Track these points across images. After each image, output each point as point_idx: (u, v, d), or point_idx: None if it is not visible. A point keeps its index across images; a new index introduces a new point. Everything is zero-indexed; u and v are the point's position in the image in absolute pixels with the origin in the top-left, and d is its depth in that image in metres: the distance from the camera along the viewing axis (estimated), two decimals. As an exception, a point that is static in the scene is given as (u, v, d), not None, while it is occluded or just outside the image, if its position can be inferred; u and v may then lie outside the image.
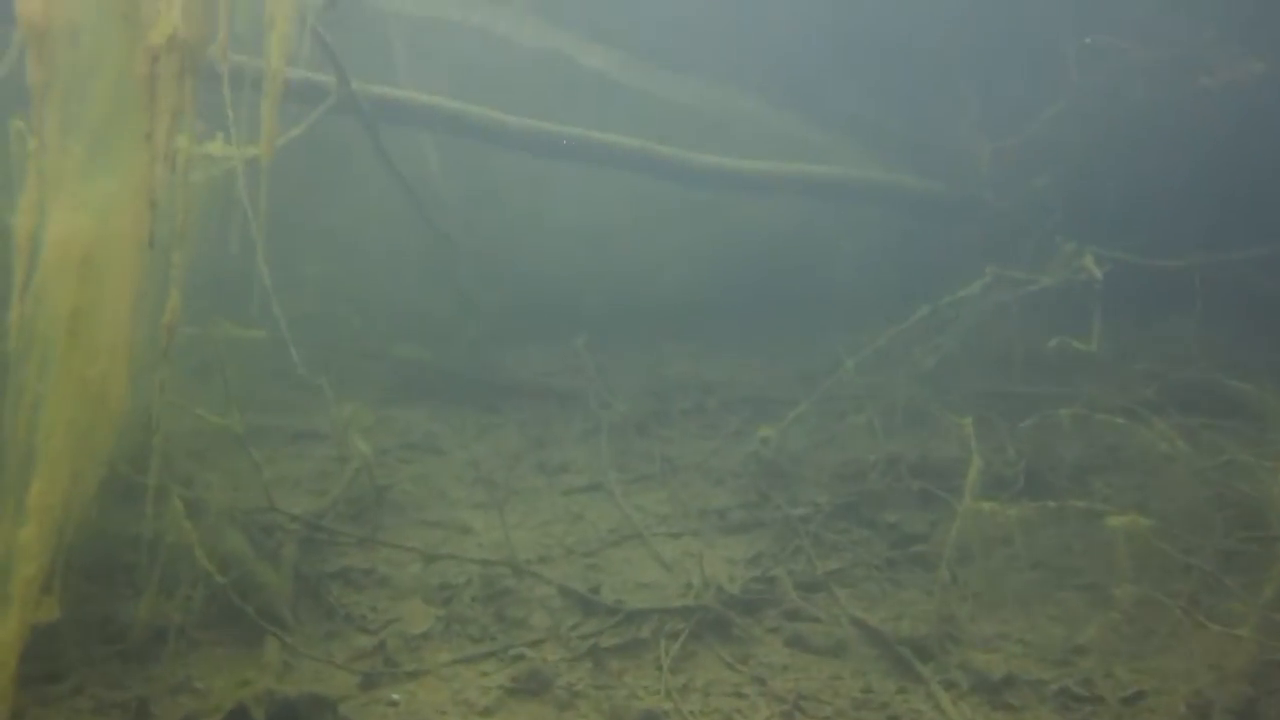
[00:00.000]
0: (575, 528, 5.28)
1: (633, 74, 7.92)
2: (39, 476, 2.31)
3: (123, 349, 2.47)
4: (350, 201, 8.14)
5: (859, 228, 8.36)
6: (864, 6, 7.74)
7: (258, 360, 6.72)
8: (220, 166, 4.52)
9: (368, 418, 5.67)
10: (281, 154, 6.06)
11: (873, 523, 5.26)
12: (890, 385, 6.29)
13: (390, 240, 8.15)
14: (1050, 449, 5.42)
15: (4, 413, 2.45)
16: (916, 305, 6.22)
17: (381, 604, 4.42)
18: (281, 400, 6.41)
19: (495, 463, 6.03)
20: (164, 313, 2.66)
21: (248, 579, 4.16)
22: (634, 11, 8.13)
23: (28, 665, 2.89)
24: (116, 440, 3.48)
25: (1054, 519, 4.68)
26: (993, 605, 4.41)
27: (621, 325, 8.14)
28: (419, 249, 8.03)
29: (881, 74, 7.89)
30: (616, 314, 8.26)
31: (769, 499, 5.52)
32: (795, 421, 5.98)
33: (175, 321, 2.63)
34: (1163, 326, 6.47)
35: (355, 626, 4.24)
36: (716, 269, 8.63)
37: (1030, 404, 5.66)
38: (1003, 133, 7.43)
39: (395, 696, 3.76)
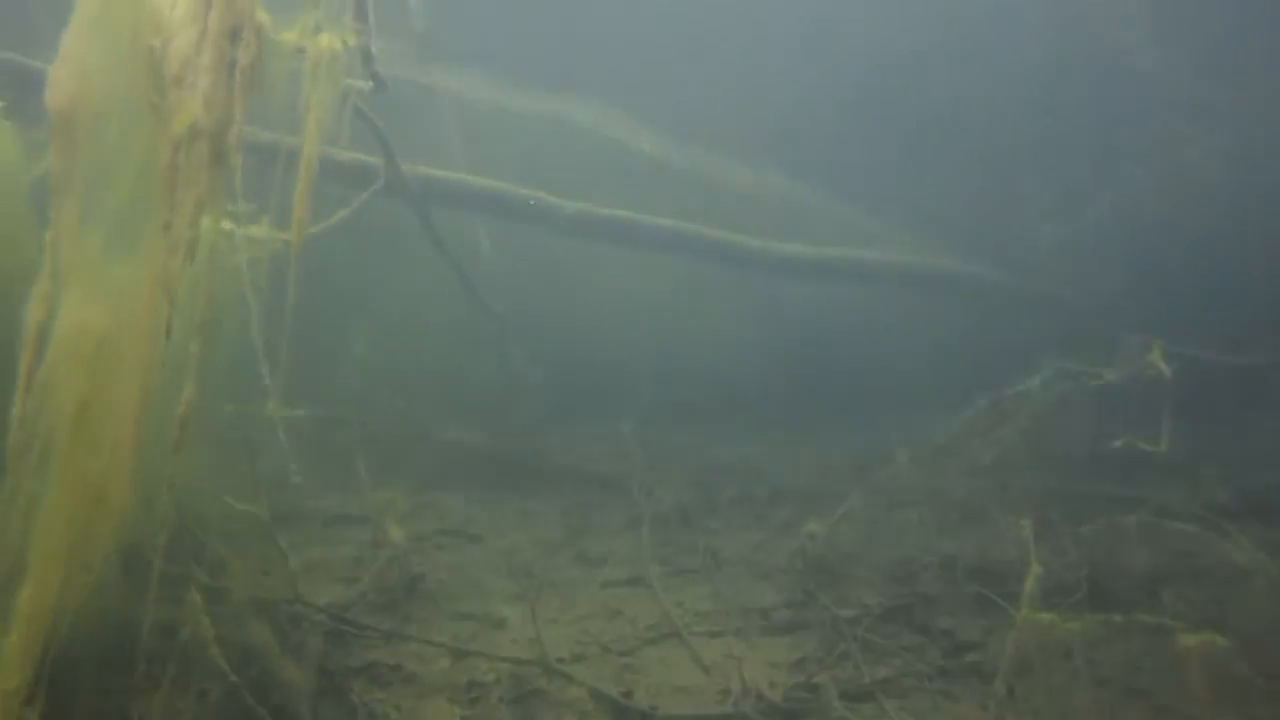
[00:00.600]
0: (612, 624, 5.07)
1: (687, 158, 7.89)
2: (29, 581, 2.22)
3: (129, 445, 2.39)
4: (403, 280, 8.18)
5: (915, 315, 8.16)
6: (926, 94, 7.63)
7: (301, 441, 6.74)
8: (264, 248, 4.51)
9: (404, 503, 5.57)
10: (332, 234, 6.15)
11: (925, 628, 4.97)
12: (946, 480, 6.03)
13: (442, 318, 8.16)
14: (1117, 555, 5.11)
15: (-3, 512, 2.37)
16: (974, 397, 6.01)
17: (406, 702, 4.24)
18: (322, 482, 6.34)
19: (534, 552, 5.87)
20: (179, 404, 2.57)
21: (269, 674, 4.02)
22: (689, 96, 8.13)
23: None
24: (147, 525, 3.40)
25: (1120, 633, 4.37)
26: (1053, 726, 4.11)
27: (672, 405, 8.03)
28: (471, 327, 8.02)
29: (943, 161, 7.75)
30: (667, 393, 8.16)
31: (816, 598, 5.26)
32: (846, 515, 5.75)
33: (189, 414, 2.54)
34: (1239, 427, 6.14)
35: (377, 726, 4.06)
36: (769, 350, 8.49)
37: (1095, 505, 5.39)
38: (1069, 222, 7.21)
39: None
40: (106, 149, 2.41)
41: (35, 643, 2.20)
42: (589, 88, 8.11)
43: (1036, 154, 7.44)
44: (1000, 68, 7.43)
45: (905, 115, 7.76)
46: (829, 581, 5.42)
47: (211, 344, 3.78)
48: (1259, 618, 4.49)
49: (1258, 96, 6.56)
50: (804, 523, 5.79)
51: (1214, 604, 4.86)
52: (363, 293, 8.18)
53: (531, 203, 6.45)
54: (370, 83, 4.34)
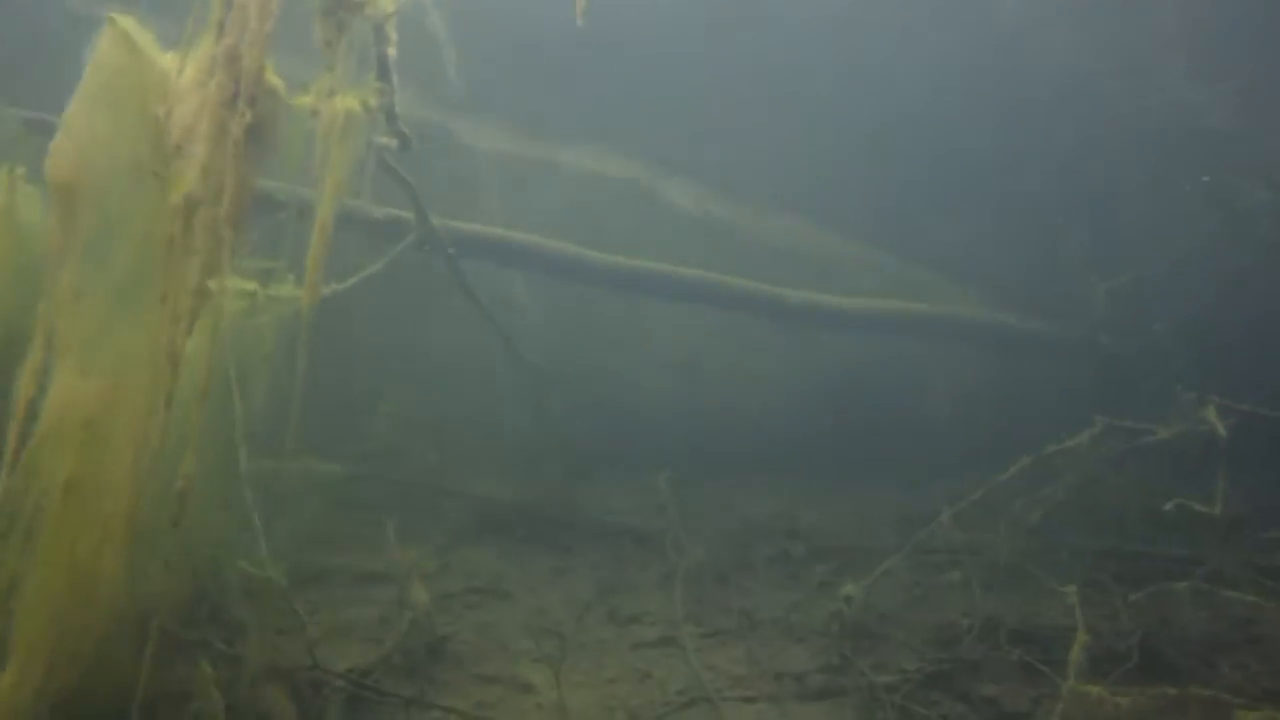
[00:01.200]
0: (641, 687, 4.92)
1: (724, 209, 7.83)
2: (11, 668, 2.15)
3: (121, 522, 2.33)
4: (440, 333, 8.19)
5: (957, 366, 7.98)
6: (965, 142, 7.50)
7: (333, 495, 6.72)
8: (289, 307, 4.50)
9: (432, 561, 5.49)
10: (367, 286, 6.15)
11: (967, 696, 4.75)
12: (991, 539, 5.81)
13: (479, 370, 8.15)
14: (1170, 622, 4.87)
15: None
16: (1020, 451, 5.80)
17: (426, 772, 4.13)
18: (353, 536, 6.31)
19: (564, 611, 5.74)
20: (180, 476, 2.51)
21: (285, 742, 3.94)
22: (726, 149, 8.09)
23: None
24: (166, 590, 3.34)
25: (1174, 706, 4.13)
26: (1103, 808, 3.88)
27: (709, 457, 7.91)
28: (508, 378, 8.00)
29: (985, 209, 7.60)
30: (704, 445, 8.05)
31: (852, 663, 5.07)
32: (885, 576, 5.55)
33: (189, 488, 2.48)
34: (1298, 485, 5.87)
35: (394, 798, 3.96)
36: (807, 401, 8.36)
37: (1147, 568, 5.15)
38: (1116, 272, 7.01)
39: None
40: (107, 219, 2.38)
41: (19, 731, 2.14)
42: (625, 142, 8.11)
43: (1087, 205, 7.26)
44: (1050, 118, 7.29)
45: (950, 167, 7.62)
46: (867, 645, 5.23)
47: (221, 411, 3.75)
48: (1324, 693, 4.24)
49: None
50: (842, 582, 5.61)
51: (1274, 675, 4.60)
52: (398, 345, 8.20)
53: (560, 254, 6.41)
54: (395, 140, 4.31)
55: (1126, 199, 7.21)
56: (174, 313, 2.40)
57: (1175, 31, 6.62)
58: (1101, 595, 5.10)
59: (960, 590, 5.57)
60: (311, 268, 3.21)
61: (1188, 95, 6.60)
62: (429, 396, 7.93)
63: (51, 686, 2.28)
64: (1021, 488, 5.83)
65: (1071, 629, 4.27)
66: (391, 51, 3.73)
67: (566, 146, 7.94)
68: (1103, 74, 6.98)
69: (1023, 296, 7.60)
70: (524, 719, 4.52)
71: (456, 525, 6.71)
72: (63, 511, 2.24)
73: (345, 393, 7.79)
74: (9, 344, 2.34)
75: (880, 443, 7.77)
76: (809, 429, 8.12)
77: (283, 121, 3.01)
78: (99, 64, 2.53)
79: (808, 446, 8.02)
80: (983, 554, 5.72)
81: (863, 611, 5.39)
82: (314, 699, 4.34)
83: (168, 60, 2.59)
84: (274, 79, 2.93)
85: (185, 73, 2.48)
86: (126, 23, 2.58)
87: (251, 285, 4.37)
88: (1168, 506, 4.79)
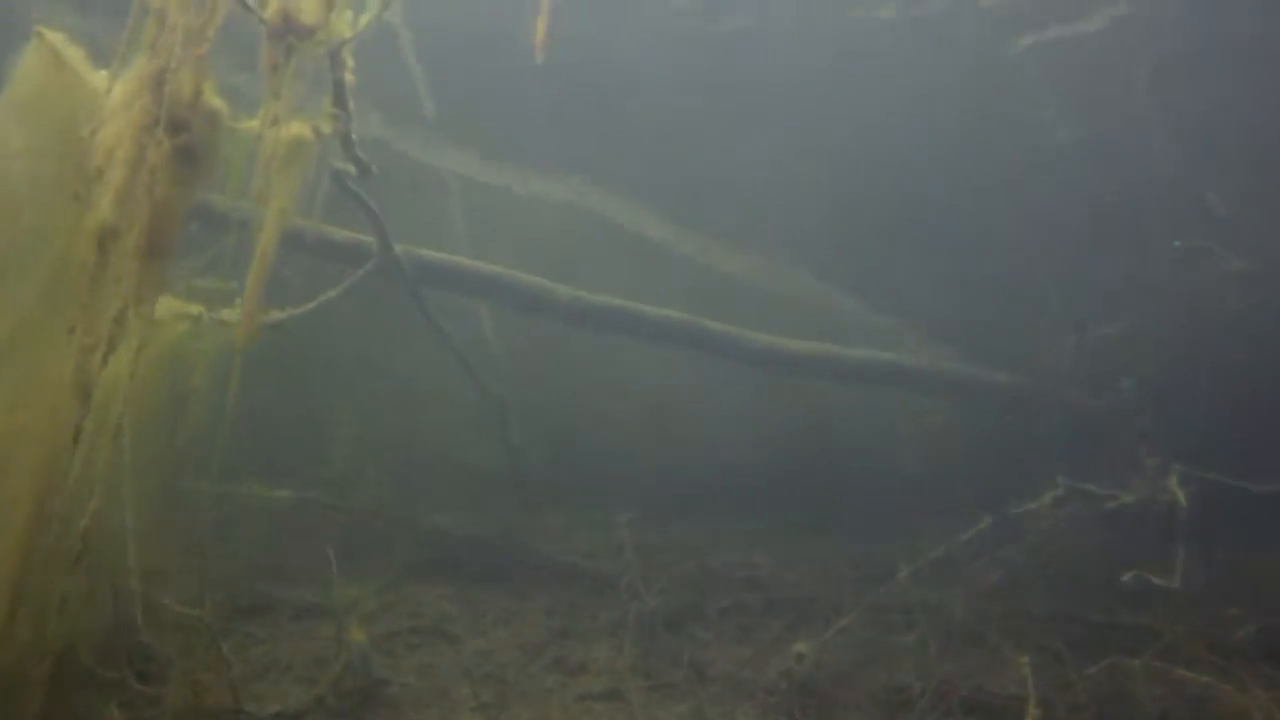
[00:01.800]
0: (582, 742, 4.77)
1: (692, 246, 7.75)
2: None
3: (11, 564, 2.18)
4: (404, 356, 8.04)
5: (925, 417, 7.91)
6: (933, 188, 7.47)
7: (283, 522, 6.54)
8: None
9: (375, 599, 5.33)
10: (330, 309, 6.01)
11: (916, 765, 4.63)
12: (948, 599, 5.71)
13: (442, 396, 8.00)
14: (1125, 697, 4.76)
15: None
16: (982, 505, 5.72)
17: (349, 826, 3.95)
18: (300, 567, 6.15)
19: (510, 655, 5.57)
20: (86, 511, 2.37)
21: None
22: (693, 183, 8.03)
23: None
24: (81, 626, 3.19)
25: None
26: None
27: (674, 497, 7.78)
28: (470, 407, 7.85)
29: (952, 258, 7.56)
30: (670, 484, 7.91)
31: (801, 724, 4.93)
32: (840, 633, 5.43)
33: (92, 527, 2.33)
34: (1260, 560, 5.79)
35: None
36: (774, 445, 8.25)
37: (1106, 636, 5.05)
38: (1083, 327, 6.97)
39: None
40: (21, 239, 2.25)
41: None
42: (604, 174, 8.03)
43: (1059, 261, 7.23)
44: (1022, 174, 7.27)
45: (921, 216, 7.59)
46: (816, 705, 5.09)
47: (158, 438, 3.60)
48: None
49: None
50: (796, 637, 5.50)
51: (1227, 760, 4.50)
52: (361, 366, 8.06)
53: (525, 287, 6.29)
54: (352, 167, 4.20)
55: (1099, 256, 7.19)
56: (86, 342, 2.27)
57: (1155, 100, 6.64)
58: (1056, 664, 5.00)
59: (915, 651, 5.46)
60: (249, 296, 3.09)
61: (1164, 162, 6.60)
62: (389, 421, 7.77)
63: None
64: (983, 546, 5.75)
65: (1024, 699, 4.16)
66: (349, 77, 3.62)
67: (539, 176, 7.84)
68: (1079, 137, 6.98)
69: (991, 349, 7.55)
70: (457, 772, 4.35)
71: (407, 559, 6.53)
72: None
73: (303, 415, 7.64)
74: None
75: (845, 492, 7.67)
76: (774, 473, 8.01)
77: (222, 145, 2.89)
78: (24, 77, 2.41)
79: (772, 491, 7.89)
80: (940, 614, 5.61)
81: (814, 670, 5.27)
82: (237, 744, 4.17)
83: (98, 79, 2.48)
84: (215, 101, 2.81)
85: (114, 93, 2.37)
86: (56, 37, 2.47)
87: (196, 309, 4.22)
88: (1125, 578, 4.70)
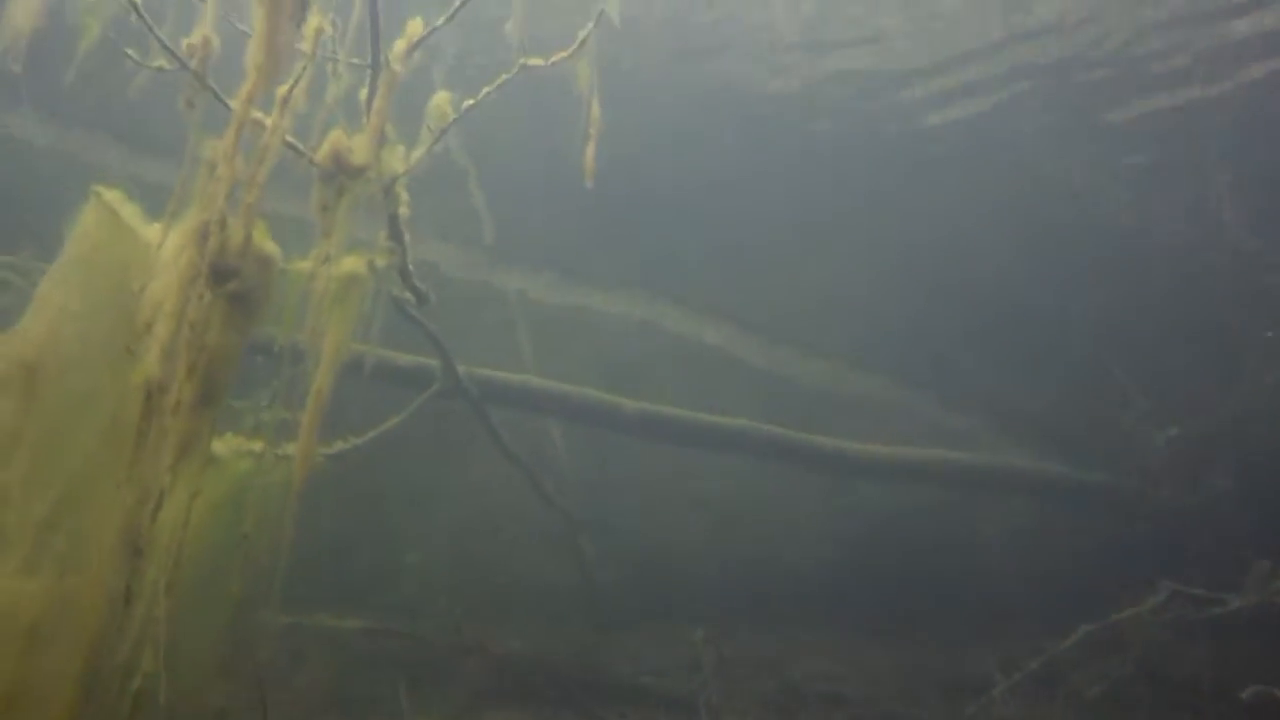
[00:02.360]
0: None
1: (758, 353, 7.64)
2: None
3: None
4: (472, 479, 7.99)
5: (1005, 517, 7.57)
6: (1007, 280, 7.25)
7: (352, 652, 6.45)
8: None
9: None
10: (397, 437, 6.00)
11: None
12: (1048, 715, 5.35)
13: (510, 515, 7.92)
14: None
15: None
16: (1077, 610, 5.39)
17: None
18: (370, 698, 6.02)
19: (584, 787, 5.35)
20: (137, 674, 2.29)
21: None
22: (757, 290, 7.94)
23: None
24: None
25: None
26: None
27: (746, 606, 7.51)
28: (539, 524, 7.75)
29: (1028, 352, 7.29)
30: (741, 594, 7.66)
31: None
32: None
33: (144, 693, 2.25)
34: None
35: None
36: (847, 548, 7.95)
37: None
38: (1173, 423, 6.63)
39: None
40: (71, 400, 2.23)
41: None
42: (669, 289, 8.01)
43: (1144, 353, 6.92)
44: (1105, 265, 7.04)
45: (999, 313, 7.34)
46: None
47: (222, 576, 3.54)
48: None
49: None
50: (889, 761, 5.19)
51: None
52: (428, 489, 8.02)
53: (591, 404, 6.23)
54: (411, 296, 4.20)
55: (1185, 349, 6.88)
56: (135, 499, 2.23)
57: (1236, 182, 6.41)
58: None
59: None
60: (304, 432, 3.04)
61: (1249, 247, 6.34)
62: (459, 543, 7.70)
63: None
64: (1082, 656, 5.41)
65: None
66: (404, 211, 3.64)
67: (602, 292, 7.85)
68: (1161, 222, 6.74)
69: (1074, 446, 7.22)
70: None
71: (477, 686, 6.35)
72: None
73: (373, 540, 7.60)
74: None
75: (923, 597, 7.33)
76: (848, 578, 7.70)
77: (275, 287, 2.89)
78: (80, 236, 2.45)
79: (847, 597, 7.59)
80: (1040, 733, 5.26)
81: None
82: None
83: (152, 232, 2.50)
84: (267, 245, 2.82)
85: (166, 246, 2.39)
86: (112, 195, 2.50)
87: (257, 445, 4.20)
88: (1244, 695, 4.34)
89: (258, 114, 2.43)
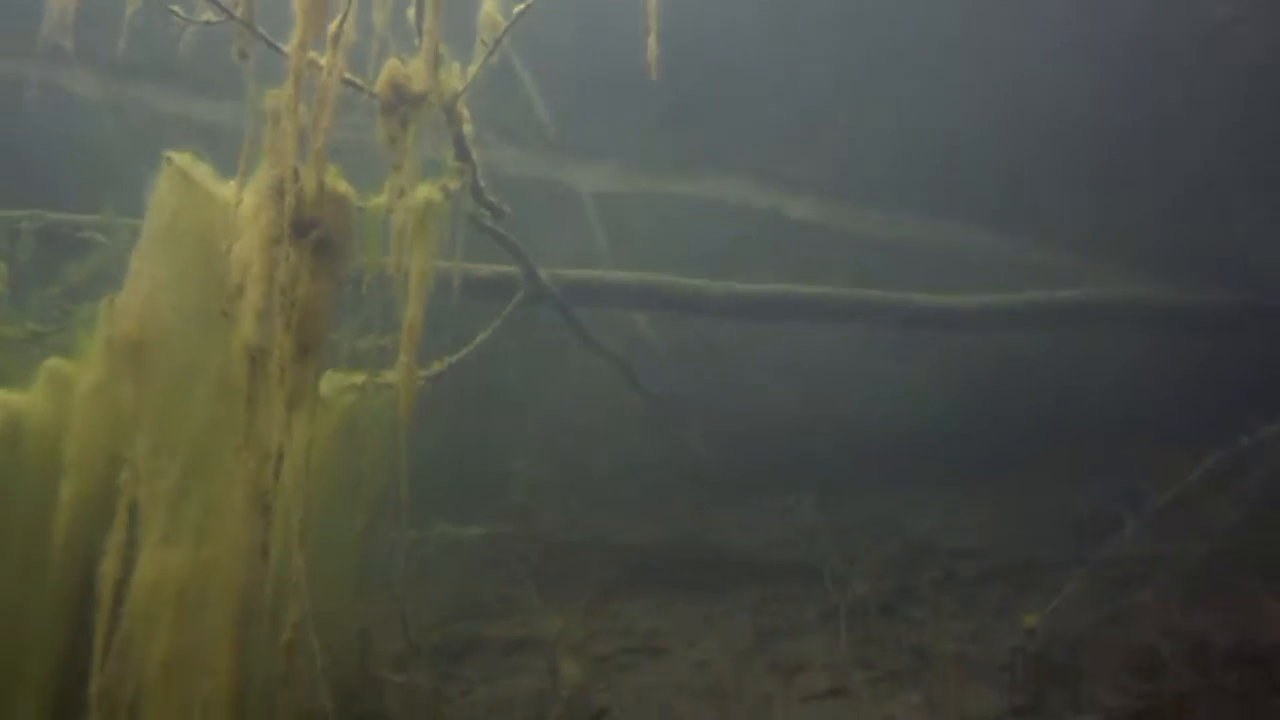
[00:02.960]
0: (819, 749, 4.60)
1: (846, 219, 7.40)
2: None
3: (225, 700, 2.18)
4: (568, 377, 8.04)
5: (1115, 345, 7.32)
6: (1107, 120, 6.80)
7: (477, 558, 6.63)
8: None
9: (581, 625, 5.31)
10: (493, 346, 6.02)
11: (1184, 734, 4.25)
12: (1182, 545, 5.24)
13: (609, 407, 7.98)
14: None
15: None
16: (1205, 437, 5.22)
17: None
18: (500, 600, 6.23)
19: (723, 663, 5.45)
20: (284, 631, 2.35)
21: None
22: (841, 154, 7.62)
23: None
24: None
25: None
26: None
27: (846, 472, 7.48)
28: (636, 413, 7.80)
29: (1132, 184, 6.89)
30: (840, 460, 7.63)
31: (1045, 703, 4.61)
32: (1068, 596, 5.06)
33: (294, 642, 2.32)
34: None
35: None
36: (943, 403, 7.82)
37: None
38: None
39: None
40: (178, 369, 2.24)
41: None
42: (736, 161, 7.76)
43: (1247, 167, 6.49)
44: (1204, 84, 6.55)
45: (1088, 141, 6.93)
46: (1058, 679, 4.76)
47: (348, 502, 3.62)
48: None
49: None
50: (1019, 604, 5.17)
51: None
52: (530, 391, 8.10)
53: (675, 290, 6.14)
54: (487, 211, 4.14)
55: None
56: (254, 459, 2.25)
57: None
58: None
59: (1156, 608, 5.03)
60: (404, 369, 3.04)
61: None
62: (560, 444, 7.80)
63: None
64: (1210, 483, 5.25)
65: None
66: (468, 129, 3.54)
67: (675, 178, 7.67)
68: (1248, 21, 6.23)
69: (1177, 271, 6.90)
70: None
71: (603, 577, 6.52)
72: (161, 697, 2.12)
73: (479, 449, 7.74)
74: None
75: (1032, 435, 7.20)
76: (963, 430, 7.59)
77: (355, 228, 2.85)
78: (157, 207, 2.42)
79: (964, 449, 7.48)
80: (1179, 563, 5.15)
81: (1049, 640, 4.92)
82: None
83: (228, 191, 2.46)
84: (341, 186, 2.77)
85: (244, 204, 2.35)
86: (183, 159, 2.47)
87: (359, 377, 4.24)
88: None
89: (312, 55, 2.34)
